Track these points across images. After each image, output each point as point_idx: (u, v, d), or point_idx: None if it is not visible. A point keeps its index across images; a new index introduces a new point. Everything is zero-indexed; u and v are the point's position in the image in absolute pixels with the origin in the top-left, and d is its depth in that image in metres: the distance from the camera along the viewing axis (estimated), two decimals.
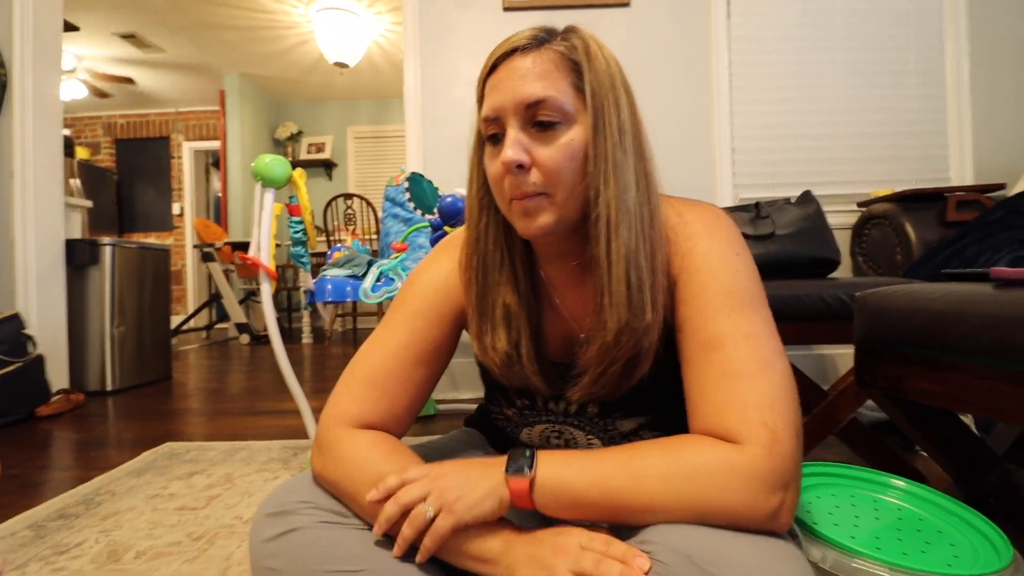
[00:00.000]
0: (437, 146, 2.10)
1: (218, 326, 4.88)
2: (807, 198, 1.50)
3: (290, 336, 4.58)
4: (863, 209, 1.93)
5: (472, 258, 0.60)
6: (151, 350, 2.61)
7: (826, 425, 1.16)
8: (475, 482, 0.49)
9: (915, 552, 0.59)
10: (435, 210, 1.39)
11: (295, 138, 5.32)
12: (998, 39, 2.03)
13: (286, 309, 5.14)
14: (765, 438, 0.45)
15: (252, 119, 4.90)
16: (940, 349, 0.64)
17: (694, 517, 0.45)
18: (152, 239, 5.45)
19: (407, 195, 1.38)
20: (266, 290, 1.13)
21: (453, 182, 2.04)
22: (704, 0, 2.06)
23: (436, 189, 1.42)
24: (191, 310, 5.23)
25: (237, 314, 4.16)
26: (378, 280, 1.18)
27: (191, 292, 5.40)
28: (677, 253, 0.55)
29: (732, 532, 0.44)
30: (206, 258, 4.07)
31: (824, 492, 0.74)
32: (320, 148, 5.30)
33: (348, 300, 1.19)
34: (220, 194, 5.78)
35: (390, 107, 5.42)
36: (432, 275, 0.64)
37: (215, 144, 5.38)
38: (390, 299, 1.16)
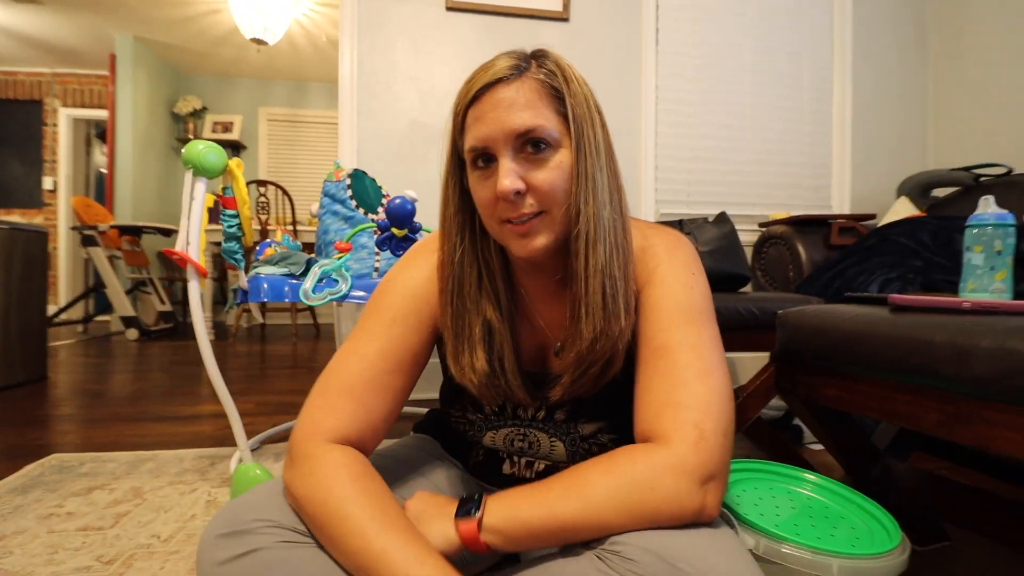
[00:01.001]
0: (373, 140, 2.04)
1: (98, 319, 4.35)
2: (723, 219, 1.66)
3: (186, 332, 4.19)
4: (763, 229, 2.16)
5: (447, 280, 0.60)
6: (20, 347, 2.27)
7: (735, 424, 1.30)
8: (430, 521, 0.52)
9: (826, 536, 0.69)
10: (379, 210, 1.36)
11: (198, 114, 4.86)
12: (877, 89, 2.37)
13: (180, 302, 4.70)
14: (692, 437, 0.50)
15: (148, 89, 4.40)
16: (848, 363, 0.75)
17: (641, 523, 0.48)
18: (16, 217, 4.71)
19: (349, 192, 1.34)
20: (194, 288, 1.04)
21: (389, 178, 2.00)
22: (636, 23, 2.20)
23: (379, 188, 1.39)
24: (63, 300, 4.61)
25: (124, 306, 3.73)
26: (320, 281, 1.14)
27: (63, 279, 4.75)
28: (644, 271, 0.60)
29: (692, 530, 0.49)
30: (87, 242, 3.61)
31: (748, 486, 0.83)
32: (227, 128, 4.89)
33: (286, 301, 1.13)
34: (105, 170, 5.15)
35: (308, 91, 5.14)
36: (408, 280, 0.63)
37: (100, 113, 4.78)
38: (333, 301, 1.12)
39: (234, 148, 4.98)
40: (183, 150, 1.03)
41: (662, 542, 0.47)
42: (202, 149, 1.02)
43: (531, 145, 0.53)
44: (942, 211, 1.93)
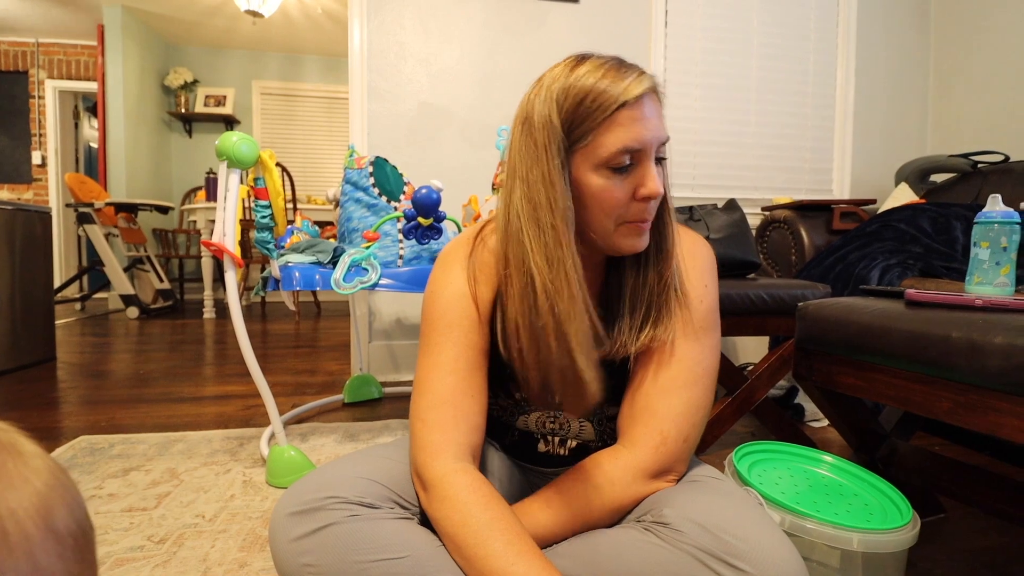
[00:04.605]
0: (383, 122, 2.03)
1: (96, 296, 4.32)
2: (732, 205, 1.69)
3: (185, 310, 4.19)
4: (766, 213, 2.21)
5: (556, 281, 0.56)
6: (28, 328, 2.28)
7: (745, 403, 1.37)
8: None
9: (843, 512, 0.76)
10: (401, 198, 1.38)
11: (189, 87, 4.75)
12: (880, 74, 2.40)
13: (177, 279, 4.67)
14: (655, 442, 0.60)
15: (137, 61, 4.28)
16: (865, 354, 0.80)
17: (611, 514, 0.59)
18: (5, 192, 4.62)
19: (371, 180, 1.35)
20: (231, 278, 1.06)
21: (400, 160, 2.00)
22: (646, 6, 2.19)
23: (400, 176, 1.40)
24: (58, 278, 4.56)
25: (123, 284, 3.71)
26: (349, 269, 1.16)
27: (57, 257, 4.68)
28: None
29: (731, 505, 0.55)
30: (83, 219, 3.56)
31: (768, 466, 0.89)
32: (220, 101, 4.79)
33: (316, 289, 1.16)
34: (94, 145, 5.04)
35: (302, 64, 5.02)
36: (451, 287, 0.66)
37: (88, 85, 4.64)
38: (363, 289, 1.15)
39: (227, 123, 4.89)
40: (216, 142, 1.04)
41: (705, 514, 0.53)
42: (236, 141, 1.03)
43: (657, 156, 0.58)
44: (940, 197, 1.98)
